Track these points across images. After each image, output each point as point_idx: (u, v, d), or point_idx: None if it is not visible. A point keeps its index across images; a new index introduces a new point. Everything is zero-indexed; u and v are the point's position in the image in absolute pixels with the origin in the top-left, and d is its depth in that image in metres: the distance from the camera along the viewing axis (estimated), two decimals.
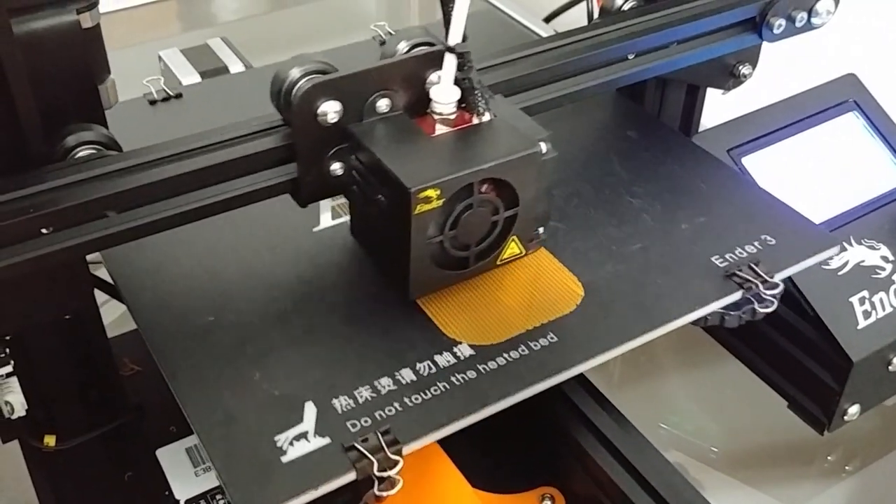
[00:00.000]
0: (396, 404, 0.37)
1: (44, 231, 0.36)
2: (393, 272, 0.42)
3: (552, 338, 0.40)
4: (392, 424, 0.36)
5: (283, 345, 0.40)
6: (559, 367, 0.39)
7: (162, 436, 0.47)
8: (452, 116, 0.41)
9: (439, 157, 0.39)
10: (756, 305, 0.43)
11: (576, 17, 0.69)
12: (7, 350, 0.42)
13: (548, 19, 0.74)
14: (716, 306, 0.42)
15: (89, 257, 0.41)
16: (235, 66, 0.62)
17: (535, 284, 0.43)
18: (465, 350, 0.40)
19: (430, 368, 0.39)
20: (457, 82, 0.40)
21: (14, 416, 0.42)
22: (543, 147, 0.40)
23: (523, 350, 0.40)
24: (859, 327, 0.50)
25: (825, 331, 0.50)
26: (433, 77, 0.41)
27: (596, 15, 0.58)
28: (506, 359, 0.39)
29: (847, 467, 0.56)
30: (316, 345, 0.40)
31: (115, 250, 0.41)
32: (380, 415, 0.37)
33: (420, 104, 0.41)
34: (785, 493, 0.56)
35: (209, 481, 0.45)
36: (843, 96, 0.58)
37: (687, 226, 0.47)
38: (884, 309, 0.51)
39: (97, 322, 0.44)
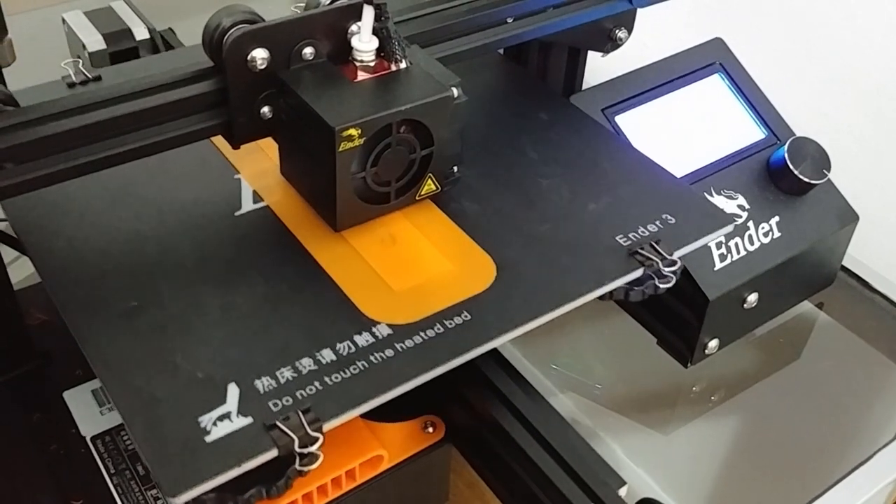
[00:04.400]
0: (317, 383, 0.38)
1: None
2: (322, 207, 0.45)
3: (466, 316, 0.41)
4: (312, 403, 0.37)
5: (203, 326, 0.40)
6: (472, 344, 0.40)
7: (69, 379, 0.50)
8: (372, 64, 0.44)
9: (361, 100, 0.42)
10: (657, 281, 0.44)
11: None
12: None
13: None
14: (619, 283, 0.44)
15: None
16: (138, 29, 0.64)
17: (452, 260, 0.45)
18: (383, 330, 0.40)
19: (349, 348, 0.40)
20: (375, 32, 0.44)
21: None
22: (455, 92, 0.44)
23: (439, 328, 0.41)
24: (716, 269, 0.55)
25: (685, 272, 0.55)
26: (354, 27, 0.44)
27: None
28: (422, 337, 0.40)
29: (713, 398, 0.62)
30: (238, 326, 0.40)
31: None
32: (301, 394, 0.37)
33: (343, 52, 0.45)
34: (656, 421, 0.61)
35: (113, 420, 0.48)
36: (709, 59, 0.62)
37: (594, 206, 0.48)
38: (738, 252, 0.56)
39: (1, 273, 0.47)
